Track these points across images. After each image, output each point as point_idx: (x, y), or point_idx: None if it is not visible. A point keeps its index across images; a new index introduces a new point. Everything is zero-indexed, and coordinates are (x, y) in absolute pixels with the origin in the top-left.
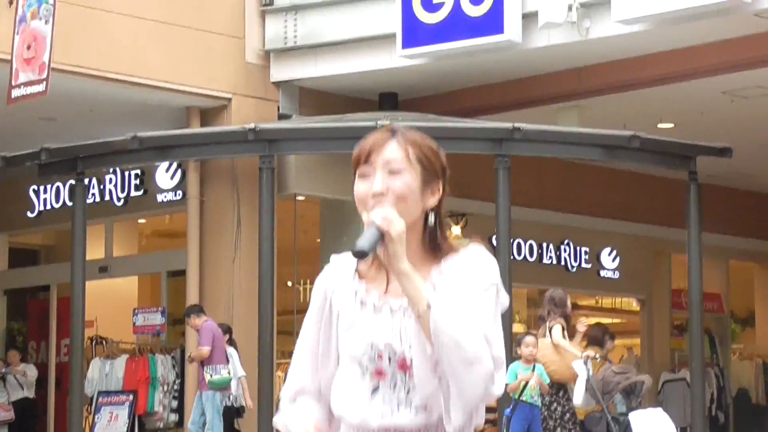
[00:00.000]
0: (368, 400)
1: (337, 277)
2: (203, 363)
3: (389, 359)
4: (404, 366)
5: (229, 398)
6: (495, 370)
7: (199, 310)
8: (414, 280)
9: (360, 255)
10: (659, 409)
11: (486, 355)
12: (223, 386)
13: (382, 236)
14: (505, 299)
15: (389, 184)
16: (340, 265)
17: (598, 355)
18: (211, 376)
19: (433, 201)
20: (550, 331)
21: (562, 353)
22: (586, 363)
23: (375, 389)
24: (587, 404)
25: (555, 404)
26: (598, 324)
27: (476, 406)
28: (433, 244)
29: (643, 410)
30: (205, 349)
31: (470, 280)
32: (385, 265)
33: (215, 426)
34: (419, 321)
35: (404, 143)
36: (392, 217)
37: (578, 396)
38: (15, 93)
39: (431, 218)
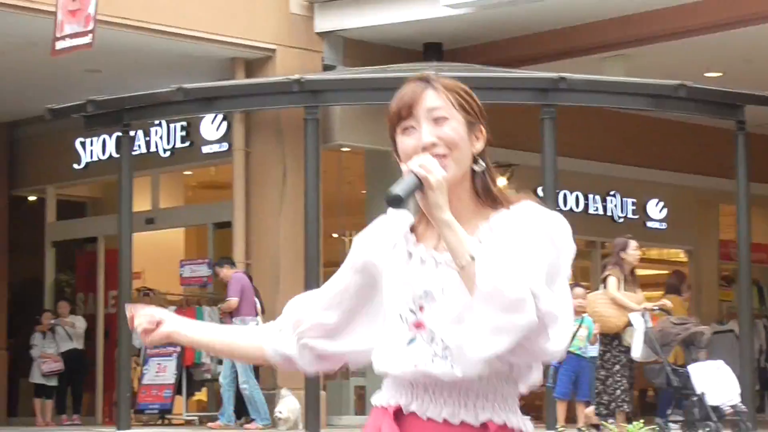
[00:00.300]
0: (402, 349)
1: (386, 231)
2: (231, 314)
3: (431, 311)
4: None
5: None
6: (547, 326)
7: (228, 261)
8: (456, 230)
9: (394, 201)
10: (720, 362)
11: (527, 306)
12: None
13: (420, 185)
14: (567, 251)
15: (437, 133)
16: (392, 221)
17: (656, 306)
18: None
19: (479, 145)
20: (603, 282)
21: (619, 305)
22: (643, 315)
23: (411, 340)
24: (646, 356)
25: (608, 354)
26: (676, 271)
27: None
28: (486, 193)
29: (704, 362)
30: (234, 300)
31: (520, 236)
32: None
33: (249, 378)
34: (461, 273)
35: (443, 90)
36: (431, 164)
37: (637, 348)
38: (59, 45)
39: (480, 163)
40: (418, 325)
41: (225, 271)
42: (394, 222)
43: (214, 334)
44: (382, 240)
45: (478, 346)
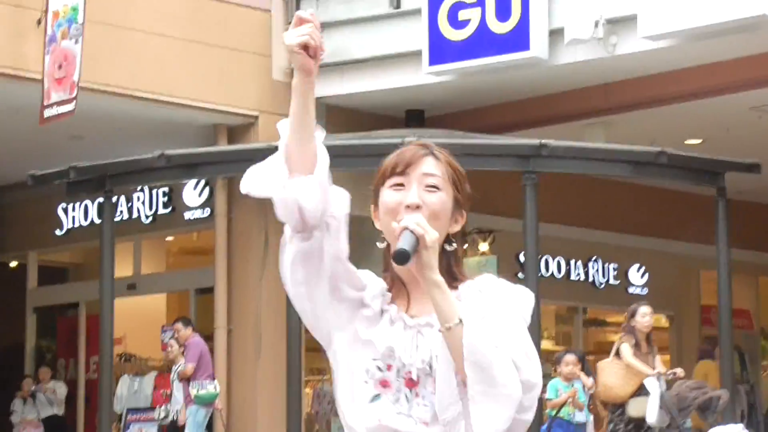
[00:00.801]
0: (365, 405)
1: (373, 284)
2: (188, 378)
3: (397, 371)
4: (411, 382)
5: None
6: (524, 393)
7: (187, 321)
8: (446, 291)
9: (402, 257)
10: (740, 425)
11: (515, 380)
12: (209, 402)
13: (416, 244)
14: (529, 314)
15: (425, 198)
16: (374, 277)
17: (670, 372)
18: (197, 391)
19: (456, 227)
20: (617, 351)
21: (634, 372)
22: (658, 379)
23: (375, 397)
24: (661, 421)
25: (612, 424)
26: (708, 338)
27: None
28: (449, 271)
29: (723, 426)
30: (190, 367)
31: (492, 302)
32: (406, 283)
33: None
34: (447, 335)
35: (443, 162)
36: (425, 224)
37: (652, 413)
38: (47, 113)
39: (453, 245)
40: (384, 384)
41: (182, 332)
42: (375, 280)
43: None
44: (371, 289)
45: (478, 422)
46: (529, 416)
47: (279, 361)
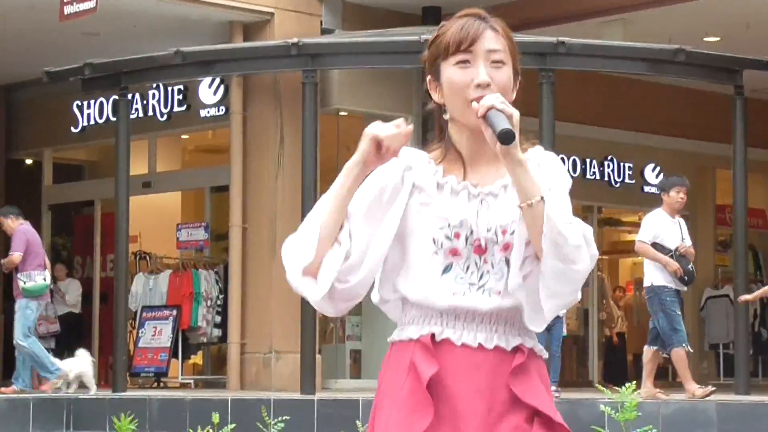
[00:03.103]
0: (438, 278)
1: (410, 163)
2: (17, 269)
3: (465, 239)
4: (480, 249)
5: (46, 307)
6: (591, 267)
7: (14, 212)
8: (529, 170)
9: (509, 136)
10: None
11: (586, 256)
12: (38, 294)
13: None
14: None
15: (493, 75)
16: (415, 154)
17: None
18: (24, 282)
19: (513, 96)
20: None
21: None
22: None
23: (447, 267)
24: None
25: None
26: None
27: (564, 307)
28: None
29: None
30: (16, 255)
31: (554, 178)
32: (462, 154)
33: (28, 340)
34: (527, 211)
35: (502, 34)
36: (507, 103)
37: None
38: (68, 9)
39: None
40: (454, 252)
41: (9, 223)
42: (413, 155)
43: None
44: (407, 169)
45: (546, 301)
46: (579, 295)
47: None
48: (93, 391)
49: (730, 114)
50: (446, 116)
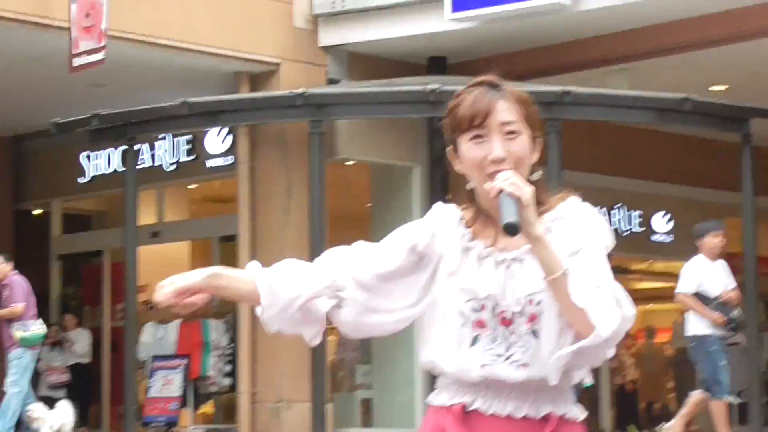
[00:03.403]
0: (467, 349)
1: (443, 221)
2: (9, 320)
3: (492, 311)
4: (506, 321)
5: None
6: (625, 327)
7: (6, 257)
8: (548, 245)
9: (513, 229)
10: None
11: (616, 317)
12: (35, 344)
13: (517, 204)
14: (610, 241)
15: (509, 148)
16: (445, 213)
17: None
18: (22, 332)
19: (535, 157)
20: None
21: None
22: None
23: (475, 339)
24: None
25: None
26: None
27: (594, 364)
28: (536, 200)
29: None
30: (20, 306)
31: (583, 237)
32: (493, 217)
33: (22, 385)
34: (552, 284)
35: (514, 102)
36: (518, 181)
37: None
38: (76, 62)
39: (536, 174)
40: (480, 324)
41: (3, 267)
42: (446, 214)
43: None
44: (441, 230)
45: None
46: (613, 351)
47: None
48: None
49: (739, 162)
50: (468, 186)
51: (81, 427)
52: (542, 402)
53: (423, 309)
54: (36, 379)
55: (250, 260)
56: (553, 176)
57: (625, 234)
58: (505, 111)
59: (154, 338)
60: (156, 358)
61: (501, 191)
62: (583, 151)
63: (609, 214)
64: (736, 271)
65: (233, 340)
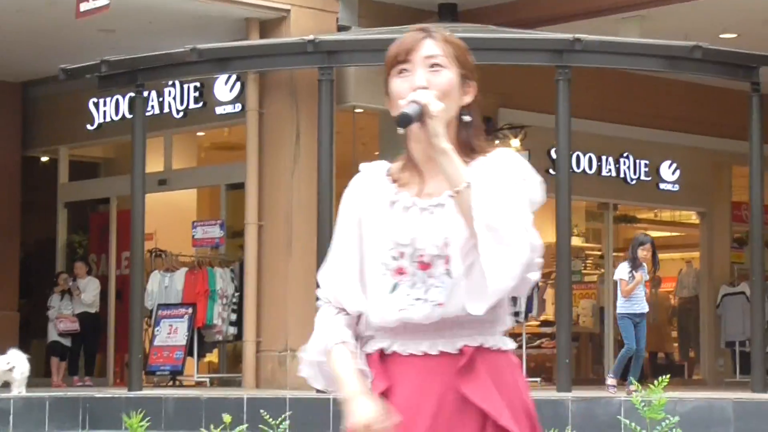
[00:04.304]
0: (386, 296)
1: (367, 184)
2: None
3: (411, 257)
4: (424, 265)
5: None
6: (534, 257)
7: None
8: (454, 158)
9: (404, 119)
10: None
11: (524, 240)
12: None
13: (421, 114)
14: (537, 195)
15: (430, 78)
16: (371, 173)
17: None
18: None
19: (467, 99)
20: None
21: None
22: None
23: (395, 286)
24: None
25: None
26: None
27: (506, 293)
28: (466, 144)
29: None
30: None
31: (501, 173)
32: (420, 163)
33: None
34: (457, 199)
35: (441, 41)
36: (430, 96)
37: None
38: (83, 7)
39: (467, 116)
40: (400, 271)
41: None
42: (371, 173)
43: None
44: (364, 193)
45: (491, 285)
46: (536, 276)
47: (310, 257)
48: (16, 392)
49: (747, 110)
50: (400, 131)
51: (86, 376)
52: (458, 337)
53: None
54: (46, 325)
55: (258, 207)
56: (561, 123)
57: (632, 182)
58: (430, 46)
59: (161, 286)
60: (162, 306)
61: (410, 102)
62: (592, 99)
63: (617, 163)
64: (743, 220)
65: (239, 288)
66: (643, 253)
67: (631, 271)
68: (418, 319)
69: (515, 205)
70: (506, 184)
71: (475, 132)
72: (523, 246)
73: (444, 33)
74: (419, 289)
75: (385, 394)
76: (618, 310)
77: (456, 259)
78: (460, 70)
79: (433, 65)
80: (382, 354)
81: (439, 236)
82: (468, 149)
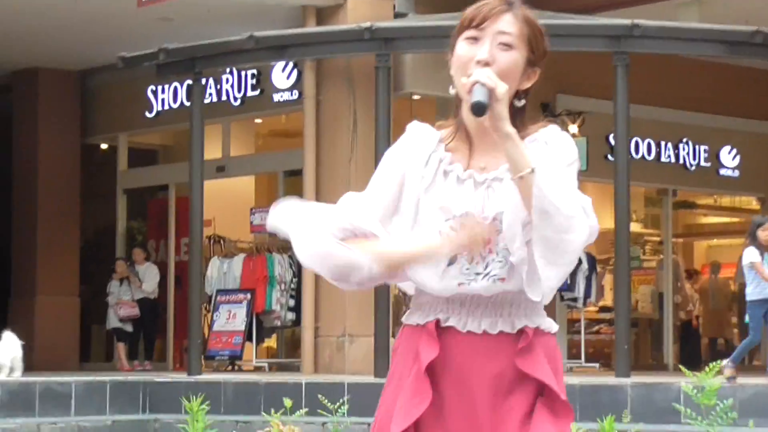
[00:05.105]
0: (444, 268)
1: (421, 145)
2: None
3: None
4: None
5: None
6: (590, 238)
7: None
8: (518, 142)
9: (479, 108)
10: None
11: (583, 224)
12: None
13: (489, 97)
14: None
15: (496, 56)
16: (425, 135)
17: None
18: None
19: (526, 84)
20: None
21: None
22: None
23: (452, 259)
24: None
25: None
26: None
27: (564, 276)
28: (517, 126)
29: None
30: None
31: (554, 155)
32: (471, 134)
33: None
34: (519, 184)
35: (521, 19)
36: (495, 77)
37: None
38: None
39: (522, 101)
40: None
41: None
42: (425, 136)
43: None
44: (416, 153)
45: (544, 270)
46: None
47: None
48: (18, 375)
49: None
50: (452, 91)
51: (146, 361)
52: (516, 316)
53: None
54: (105, 311)
55: (315, 195)
56: (620, 109)
57: (692, 168)
58: (506, 22)
59: (219, 272)
60: (220, 292)
61: (476, 83)
62: (650, 84)
63: (676, 149)
64: None
65: (297, 274)
66: (765, 233)
67: (762, 253)
68: (478, 291)
69: (574, 189)
70: (563, 168)
71: (523, 116)
72: (581, 232)
73: (525, 11)
74: (478, 263)
75: (441, 366)
76: (749, 297)
77: (515, 237)
78: (528, 54)
79: (502, 43)
80: (437, 325)
81: (498, 211)
82: (519, 129)
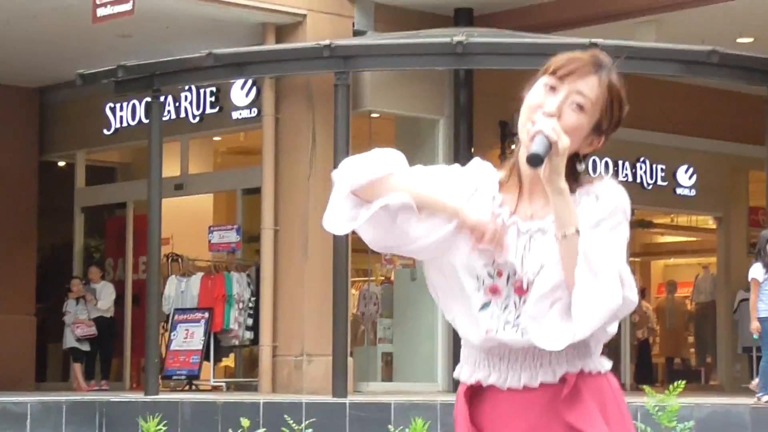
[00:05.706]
0: (476, 313)
1: (485, 180)
2: None
3: (507, 279)
4: (521, 290)
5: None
6: (621, 308)
7: None
8: (568, 200)
9: (535, 160)
10: None
11: (617, 294)
12: None
13: (549, 148)
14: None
15: (564, 113)
16: (486, 172)
17: None
18: None
19: (586, 149)
20: None
21: None
22: None
23: (485, 305)
24: None
25: None
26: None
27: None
28: (572, 184)
29: None
30: None
31: (603, 213)
32: (522, 178)
33: None
34: (562, 242)
35: (604, 85)
36: (560, 131)
37: None
38: (100, 12)
39: (582, 165)
40: (494, 291)
41: None
42: (488, 175)
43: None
44: (478, 187)
45: (571, 327)
46: (613, 330)
47: (325, 262)
48: None
49: (763, 115)
50: (521, 135)
51: (103, 380)
52: (557, 364)
53: (446, 244)
54: (62, 330)
55: (274, 213)
56: None
57: (648, 187)
58: (588, 84)
59: (177, 291)
60: (178, 311)
61: (539, 132)
62: None
63: (633, 168)
64: (759, 225)
65: (255, 293)
66: None
67: (766, 272)
68: (507, 341)
69: (618, 254)
70: (611, 229)
71: (580, 176)
72: (615, 297)
73: (612, 77)
74: (510, 313)
75: (488, 425)
76: (760, 314)
77: (541, 293)
78: (599, 121)
79: (576, 103)
80: (474, 388)
81: (538, 263)
82: (572, 185)
